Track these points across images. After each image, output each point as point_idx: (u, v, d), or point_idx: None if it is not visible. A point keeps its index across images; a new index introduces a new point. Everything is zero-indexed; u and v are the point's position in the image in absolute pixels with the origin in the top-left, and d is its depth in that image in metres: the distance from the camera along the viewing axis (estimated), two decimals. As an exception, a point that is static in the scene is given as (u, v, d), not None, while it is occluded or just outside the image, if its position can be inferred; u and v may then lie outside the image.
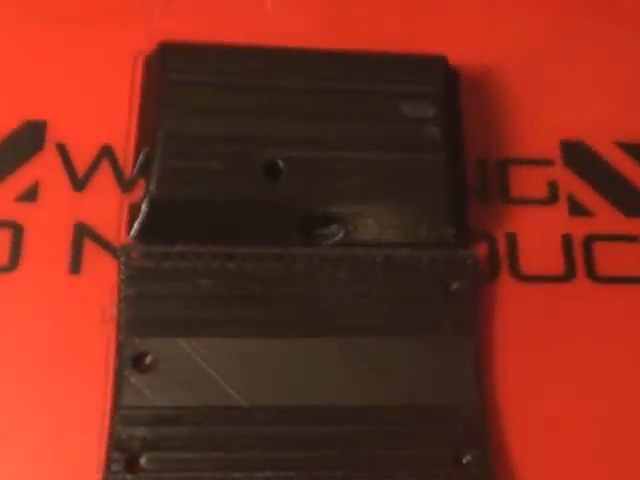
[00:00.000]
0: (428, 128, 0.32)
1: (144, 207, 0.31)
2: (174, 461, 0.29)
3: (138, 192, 0.32)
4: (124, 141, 0.34)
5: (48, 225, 0.32)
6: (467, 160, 0.34)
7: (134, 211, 0.32)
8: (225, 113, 0.32)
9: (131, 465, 0.28)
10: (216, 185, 0.31)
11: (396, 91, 0.33)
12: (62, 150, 0.33)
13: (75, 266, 0.32)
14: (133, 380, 0.29)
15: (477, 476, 0.29)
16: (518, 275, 0.33)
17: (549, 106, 0.36)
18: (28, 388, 0.30)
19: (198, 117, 0.32)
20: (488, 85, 0.36)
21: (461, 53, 0.36)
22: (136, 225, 0.32)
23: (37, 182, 0.33)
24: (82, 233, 0.32)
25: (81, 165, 0.33)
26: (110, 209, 0.33)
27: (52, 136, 0.33)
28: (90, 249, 0.32)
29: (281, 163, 0.31)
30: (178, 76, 0.32)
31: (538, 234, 0.34)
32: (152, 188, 0.31)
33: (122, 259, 0.31)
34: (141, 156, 0.32)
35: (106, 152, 0.33)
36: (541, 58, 0.37)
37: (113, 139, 0.34)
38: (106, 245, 0.32)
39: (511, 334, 0.32)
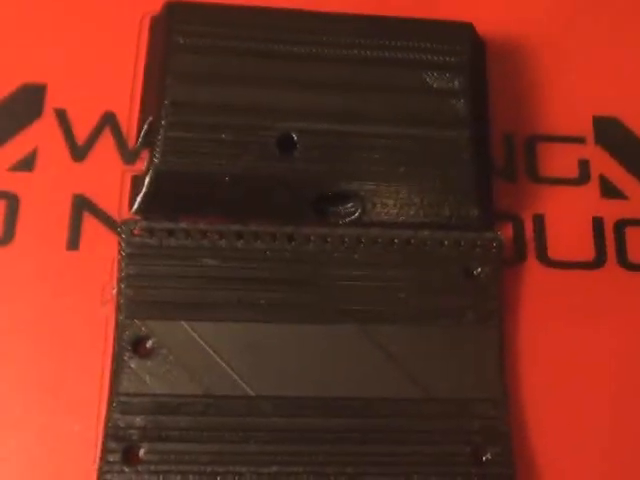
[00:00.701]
0: (453, 101, 0.30)
1: (148, 180, 0.29)
2: (175, 453, 0.27)
3: (141, 164, 0.31)
4: (128, 108, 0.32)
5: (45, 196, 0.30)
6: (493, 136, 0.32)
7: (137, 184, 0.30)
8: (236, 81, 0.30)
9: (129, 456, 0.27)
10: (225, 158, 0.29)
11: (419, 60, 0.31)
12: (62, 116, 0.31)
13: (73, 241, 0.30)
14: (133, 365, 0.28)
15: (498, 475, 0.28)
16: (545, 260, 0.31)
17: (581, 79, 0.34)
18: (19, 371, 0.28)
19: (207, 85, 0.30)
20: (515, 56, 0.34)
21: (487, 21, 0.34)
22: (139, 199, 0.30)
23: (35, 150, 0.31)
24: (81, 206, 0.30)
25: (81, 133, 0.31)
26: (111, 181, 0.31)
27: (51, 101, 0.32)
28: (89, 223, 0.30)
29: (295, 136, 0.29)
30: (186, 39, 0.30)
31: (567, 216, 0.32)
32: (157, 160, 0.29)
33: (123, 235, 0.29)
34: (145, 126, 0.30)
35: (108, 120, 0.32)
36: (573, 28, 0.35)
37: (116, 106, 0.32)
38: (106, 219, 0.30)
39: (537, 323, 0.30)
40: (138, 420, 0.27)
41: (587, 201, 0.32)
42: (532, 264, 0.31)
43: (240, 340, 0.28)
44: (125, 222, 0.29)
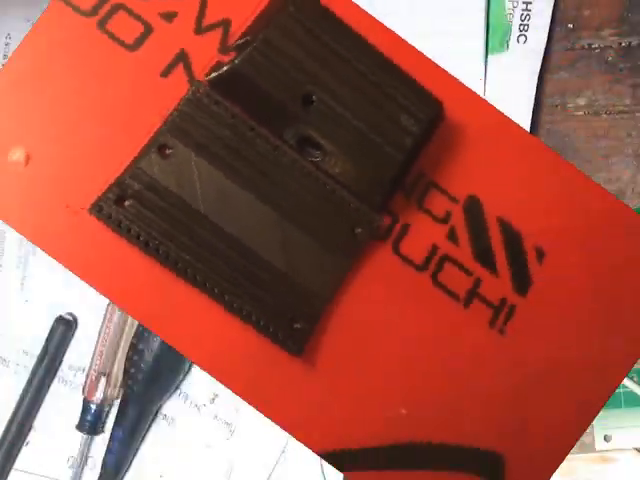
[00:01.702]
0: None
1: (226, 68, 0.37)
2: (149, 217, 0.38)
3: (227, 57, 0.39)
4: (245, 18, 0.40)
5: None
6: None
7: (218, 66, 0.39)
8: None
9: (120, 200, 0.39)
10: (279, 85, 0.38)
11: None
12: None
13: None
14: (153, 157, 0.38)
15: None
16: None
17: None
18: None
19: (303, 41, 0.38)
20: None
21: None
22: (215, 74, 0.38)
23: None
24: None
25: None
26: (212, 53, 0.40)
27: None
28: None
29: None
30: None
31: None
32: (238, 61, 0.37)
33: (193, 88, 0.38)
34: (245, 39, 0.38)
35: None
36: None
37: (234, 13, 0.40)
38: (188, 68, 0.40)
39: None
40: (136, 185, 0.38)
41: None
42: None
43: (222, 190, 0.39)
44: (200, 81, 0.39)
